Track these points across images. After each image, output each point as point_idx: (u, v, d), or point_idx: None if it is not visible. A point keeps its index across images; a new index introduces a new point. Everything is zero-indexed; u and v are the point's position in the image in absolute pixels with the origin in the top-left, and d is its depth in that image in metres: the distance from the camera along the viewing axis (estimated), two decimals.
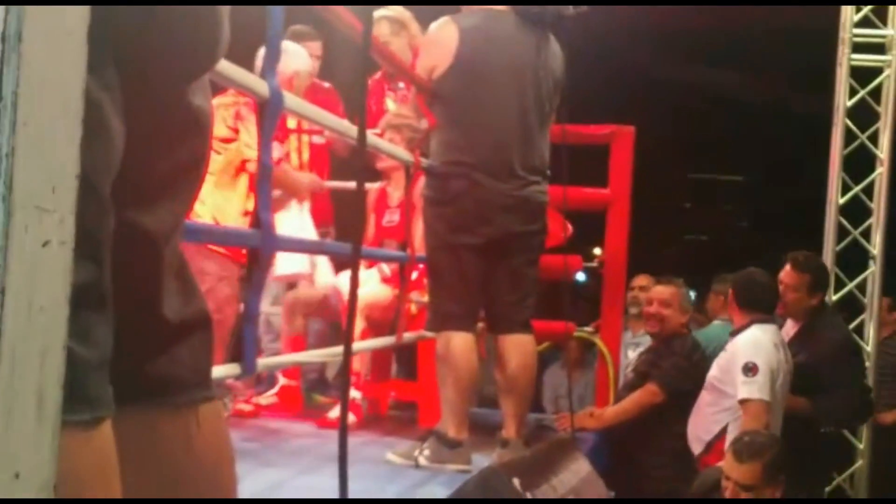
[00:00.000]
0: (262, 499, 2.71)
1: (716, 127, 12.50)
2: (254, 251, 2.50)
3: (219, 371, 2.46)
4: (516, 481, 2.95)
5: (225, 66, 2.38)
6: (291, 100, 2.68)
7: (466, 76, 3.74)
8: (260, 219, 2.49)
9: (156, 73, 1.14)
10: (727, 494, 3.85)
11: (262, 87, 2.49)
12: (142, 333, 1.26)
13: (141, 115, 1.12)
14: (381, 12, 4.80)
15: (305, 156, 5.00)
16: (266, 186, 2.52)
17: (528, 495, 2.94)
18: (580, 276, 9.56)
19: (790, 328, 5.21)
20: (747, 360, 4.55)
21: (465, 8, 3.90)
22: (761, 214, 14.97)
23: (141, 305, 1.25)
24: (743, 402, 4.48)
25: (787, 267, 5.12)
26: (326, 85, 5.30)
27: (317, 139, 5.08)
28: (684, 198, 16.25)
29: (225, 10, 1.21)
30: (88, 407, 0.94)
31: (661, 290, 5.25)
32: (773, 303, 4.92)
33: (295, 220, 4.33)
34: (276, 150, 4.55)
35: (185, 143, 1.26)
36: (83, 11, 0.74)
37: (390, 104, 5.09)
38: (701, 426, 4.69)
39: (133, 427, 1.27)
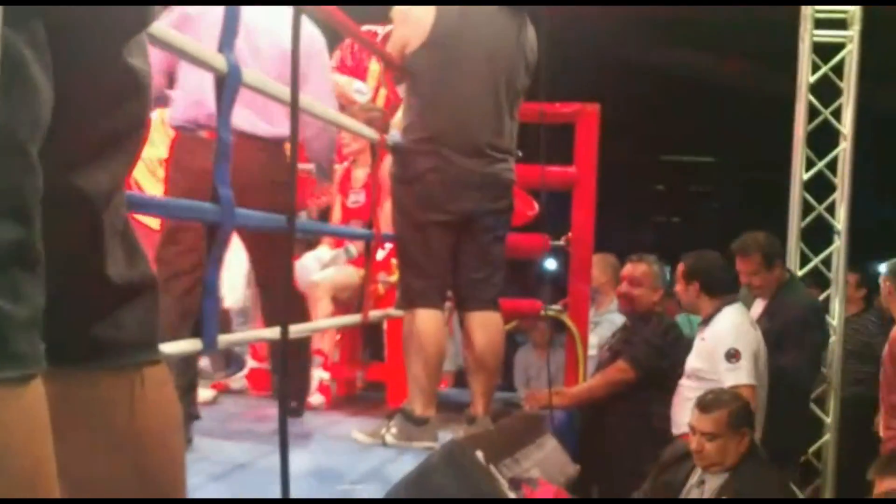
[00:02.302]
0: (257, 499, 2.70)
1: (685, 109, 12.53)
2: (211, 226, 2.48)
3: (181, 346, 2.46)
4: (480, 454, 2.96)
5: (183, 40, 2.37)
6: (250, 75, 2.66)
7: (440, 53, 3.73)
8: (218, 193, 2.48)
9: (87, 31, 1.13)
10: (693, 447, 3.90)
11: (220, 62, 2.47)
12: (86, 295, 1.26)
13: (75, 75, 1.11)
14: None
15: None
16: (224, 162, 2.51)
17: (492, 468, 2.95)
18: (551, 264, 9.62)
19: (758, 306, 5.25)
20: (728, 347, 4.58)
21: None
22: (731, 195, 15.05)
23: (83, 267, 1.24)
24: (731, 389, 4.51)
25: (737, 257, 5.21)
26: None
27: None
28: (655, 180, 16.32)
29: None
30: (15, 364, 0.94)
31: (631, 269, 5.25)
32: (734, 281, 4.98)
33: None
34: None
35: (123, 104, 1.25)
36: None
37: (373, 64, 5.09)
38: (682, 413, 4.69)
39: (77, 388, 1.27)
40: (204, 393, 4.51)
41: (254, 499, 2.76)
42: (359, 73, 5.14)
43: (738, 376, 4.53)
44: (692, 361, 4.75)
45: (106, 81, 1.21)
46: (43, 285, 0.99)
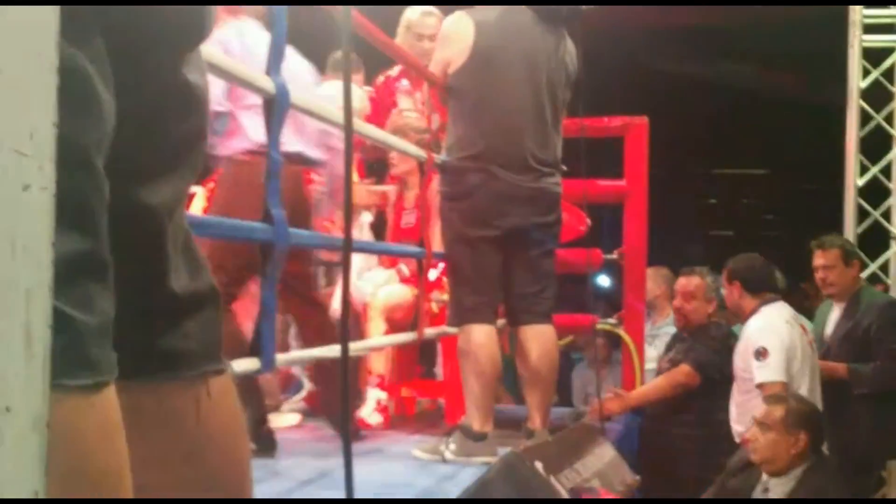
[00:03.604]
0: (275, 499, 2.73)
1: (736, 121, 12.46)
2: (266, 246, 2.53)
3: (238, 365, 2.49)
4: (539, 465, 2.96)
5: (231, 64, 2.43)
6: (298, 97, 2.71)
7: (482, 70, 3.76)
8: (271, 213, 2.52)
9: (147, 45, 1.17)
10: (747, 435, 3.88)
11: (267, 84, 2.52)
12: (150, 308, 1.28)
13: (137, 90, 1.14)
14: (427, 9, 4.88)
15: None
16: (275, 181, 2.56)
17: (552, 478, 2.96)
18: (604, 281, 9.57)
19: (837, 312, 5.19)
20: (758, 346, 4.59)
21: (477, 6, 3.91)
22: (785, 206, 14.90)
23: (148, 280, 1.27)
24: (760, 386, 4.50)
25: (816, 252, 5.14)
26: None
27: None
28: (709, 193, 16.20)
29: None
30: (89, 371, 0.95)
31: (683, 283, 5.25)
32: (776, 281, 4.94)
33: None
34: None
35: (184, 119, 1.28)
36: None
37: (402, 101, 5.12)
38: (736, 417, 4.70)
39: (144, 401, 1.29)
40: (288, 418, 4.56)
41: (274, 499, 2.77)
42: (385, 107, 5.17)
43: (766, 374, 4.53)
44: (735, 361, 4.77)
45: (166, 96, 1.24)
46: (112, 296, 1.00)
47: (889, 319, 5.09)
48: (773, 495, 3.88)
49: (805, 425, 3.90)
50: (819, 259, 5.16)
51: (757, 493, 3.95)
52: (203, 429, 1.36)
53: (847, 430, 4.71)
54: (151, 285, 1.27)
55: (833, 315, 5.19)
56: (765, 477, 3.93)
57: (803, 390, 4.58)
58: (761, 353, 4.56)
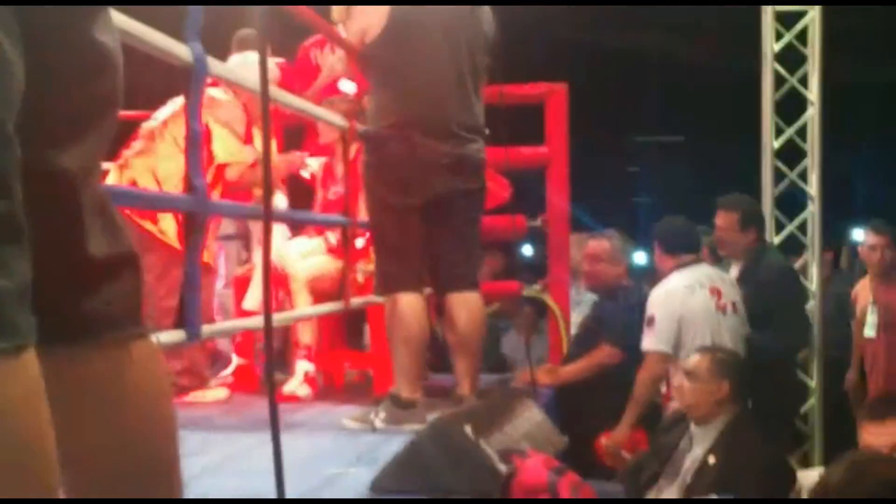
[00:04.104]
0: (261, 499, 2.71)
1: (654, 89, 12.62)
2: (189, 216, 2.51)
3: (163, 337, 2.47)
4: (468, 428, 2.98)
5: (147, 32, 2.38)
6: (216, 65, 2.68)
7: (399, 38, 3.75)
8: (192, 183, 2.50)
9: (52, 5, 1.15)
10: (674, 382, 3.98)
11: (184, 53, 2.48)
12: (69, 272, 1.27)
13: (44, 51, 1.12)
14: None
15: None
16: (196, 151, 2.53)
17: (482, 441, 2.98)
18: (526, 250, 9.66)
19: (734, 271, 5.30)
20: (648, 314, 4.71)
21: None
22: (704, 171, 15.14)
23: (65, 244, 1.25)
24: (644, 353, 4.67)
25: (718, 211, 5.23)
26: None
27: None
28: (630, 161, 16.41)
29: None
30: (9, 335, 0.95)
31: (591, 246, 5.34)
32: (694, 243, 5.01)
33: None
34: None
35: (94, 81, 1.26)
36: None
37: (329, 58, 5.11)
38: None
39: (67, 364, 1.28)
40: (216, 392, 4.53)
41: (254, 499, 2.76)
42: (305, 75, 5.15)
43: (648, 342, 4.69)
44: None
45: (75, 57, 1.22)
46: (29, 259, 0.99)
47: (786, 286, 5.21)
48: (696, 445, 3.98)
49: (727, 374, 4.01)
50: (719, 218, 5.25)
51: (683, 444, 4.03)
52: (127, 392, 1.35)
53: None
54: (69, 249, 1.25)
55: (731, 275, 5.26)
56: (692, 427, 4.03)
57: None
58: (649, 321, 4.70)
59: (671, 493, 3.98)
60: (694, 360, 4.09)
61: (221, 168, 4.38)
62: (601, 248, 5.27)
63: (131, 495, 1.35)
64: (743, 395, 4.08)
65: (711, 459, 3.87)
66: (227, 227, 5.35)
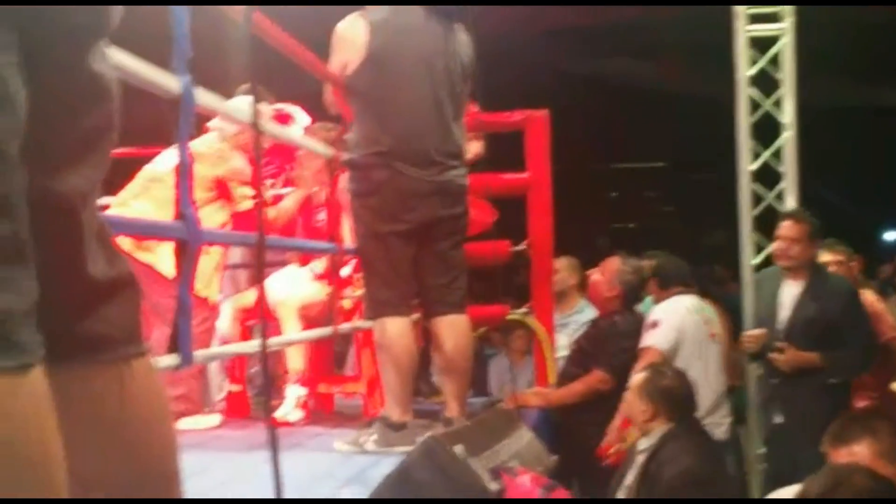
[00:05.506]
0: (261, 499, 2.75)
1: (632, 116, 12.73)
2: (181, 244, 2.56)
3: (158, 362, 2.51)
4: (458, 448, 3.03)
5: (136, 64, 2.43)
6: (204, 96, 2.74)
7: (379, 68, 3.82)
8: (183, 212, 2.55)
9: (52, 37, 1.18)
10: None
11: (173, 84, 2.54)
12: (70, 294, 1.30)
13: (44, 81, 1.16)
14: None
15: None
16: (185, 180, 2.59)
17: (472, 460, 3.03)
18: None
19: (793, 287, 5.25)
20: (652, 319, 4.94)
21: (369, 7, 3.98)
22: (684, 197, 15.27)
23: (66, 267, 1.29)
24: (641, 350, 4.83)
25: (787, 222, 5.26)
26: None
27: None
28: (610, 187, 16.53)
29: None
30: (16, 353, 0.97)
31: (609, 261, 5.53)
32: (687, 277, 5.33)
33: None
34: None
35: (93, 109, 1.30)
36: None
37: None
38: None
39: (66, 384, 1.30)
40: (209, 419, 4.57)
41: (254, 499, 2.80)
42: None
43: (650, 339, 4.87)
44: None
45: (75, 87, 1.26)
46: (35, 279, 1.03)
47: (857, 308, 5.21)
48: (638, 452, 4.24)
49: (653, 399, 4.22)
50: (788, 229, 5.21)
51: (634, 452, 4.30)
52: (127, 410, 1.38)
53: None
54: (70, 271, 1.29)
55: (790, 291, 5.23)
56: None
57: (708, 372, 4.82)
58: (653, 324, 4.89)
59: (622, 493, 4.25)
60: (636, 377, 4.36)
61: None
62: (608, 268, 5.43)
63: None
64: (679, 415, 4.22)
65: (648, 466, 4.13)
66: (235, 255, 5.35)
